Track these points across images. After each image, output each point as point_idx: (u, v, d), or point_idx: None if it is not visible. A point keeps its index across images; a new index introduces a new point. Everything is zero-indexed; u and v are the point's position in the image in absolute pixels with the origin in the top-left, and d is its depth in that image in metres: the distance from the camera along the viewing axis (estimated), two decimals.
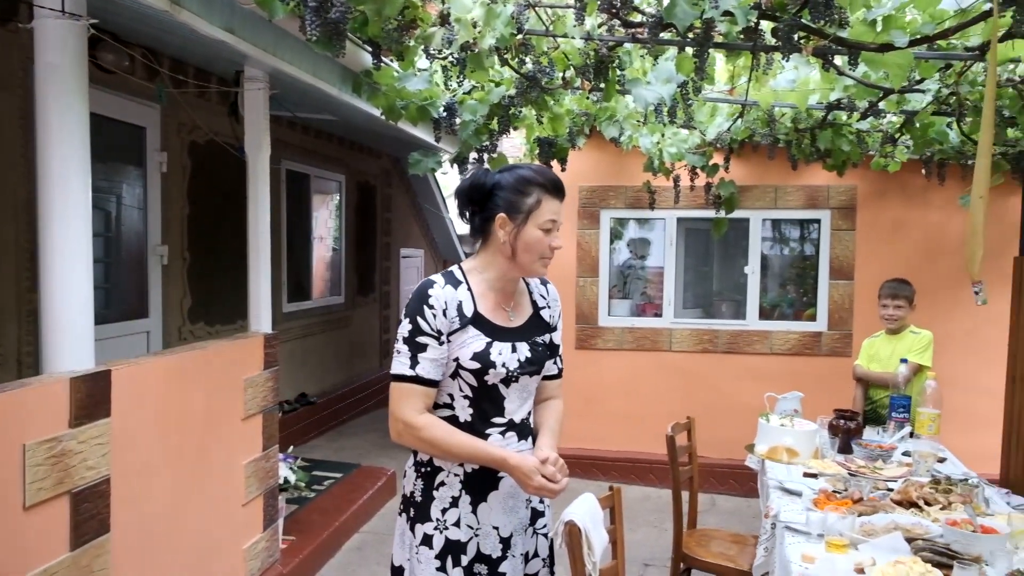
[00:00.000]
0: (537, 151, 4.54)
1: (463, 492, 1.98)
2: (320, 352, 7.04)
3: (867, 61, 2.78)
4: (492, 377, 1.95)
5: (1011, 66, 3.21)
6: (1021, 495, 3.62)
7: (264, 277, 3.60)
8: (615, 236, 6.15)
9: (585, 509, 2.14)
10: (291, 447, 4.27)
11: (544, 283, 2.19)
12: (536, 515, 2.08)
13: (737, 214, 5.34)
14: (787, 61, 2.91)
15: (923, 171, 5.00)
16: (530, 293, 2.14)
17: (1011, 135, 4.14)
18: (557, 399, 2.19)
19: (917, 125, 4.07)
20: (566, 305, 5.45)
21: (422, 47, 3.07)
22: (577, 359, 5.79)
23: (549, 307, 2.15)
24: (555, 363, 2.15)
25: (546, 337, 2.10)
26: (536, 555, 2.08)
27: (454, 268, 2.04)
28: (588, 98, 4.09)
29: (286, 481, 3.87)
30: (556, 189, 1.96)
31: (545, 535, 2.11)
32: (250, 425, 3.44)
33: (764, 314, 5.88)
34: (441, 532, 1.97)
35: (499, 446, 1.96)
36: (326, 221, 7.26)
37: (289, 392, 6.31)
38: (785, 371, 5.59)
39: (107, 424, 2.50)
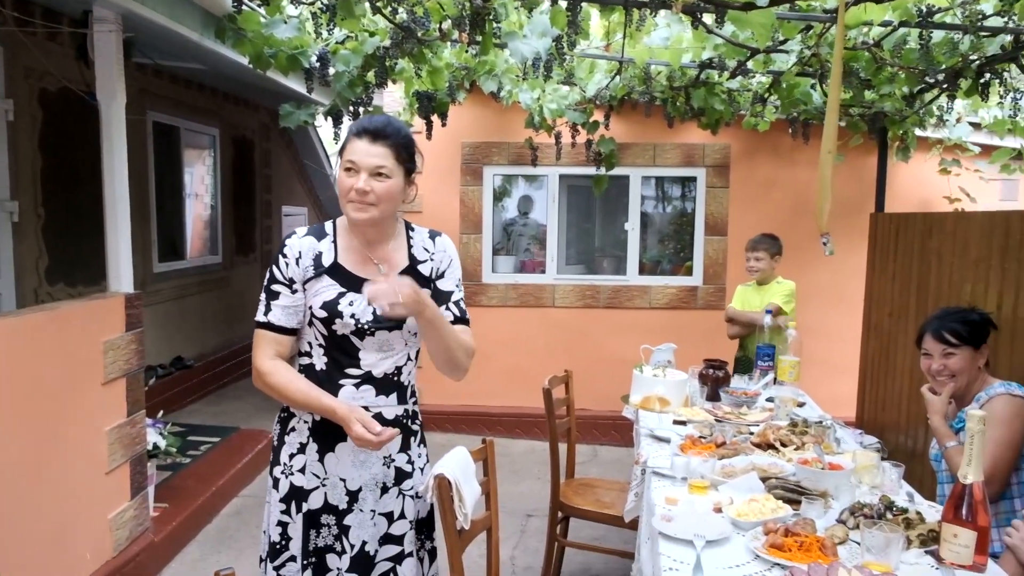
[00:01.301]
0: (416, 105, 4.45)
1: (310, 440, 1.97)
2: (197, 314, 6.75)
3: (733, 20, 2.85)
4: (341, 327, 1.92)
5: (865, 29, 3.36)
6: (873, 435, 3.91)
7: (123, 234, 3.39)
8: (502, 193, 6.14)
9: (456, 462, 2.14)
10: (160, 412, 4.09)
11: (433, 236, 2.09)
12: (402, 475, 2.05)
13: (617, 171, 5.43)
14: (656, 16, 2.94)
15: (789, 131, 5.21)
16: (411, 247, 2.05)
17: (868, 97, 4.35)
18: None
19: (784, 86, 4.24)
20: None
21: None
22: None
23: (432, 260, 2.05)
24: (448, 309, 2.03)
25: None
26: (403, 516, 2.05)
27: (328, 222, 2.03)
28: (467, 51, 4.03)
29: (155, 447, 3.72)
30: (362, 131, 1.90)
31: (413, 497, 2.07)
32: (112, 390, 3.27)
33: (644, 269, 6.04)
34: (287, 477, 1.98)
35: (344, 399, 1.93)
36: (202, 177, 6.91)
37: (164, 356, 6.04)
38: (663, 324, 5.78)
39: None
